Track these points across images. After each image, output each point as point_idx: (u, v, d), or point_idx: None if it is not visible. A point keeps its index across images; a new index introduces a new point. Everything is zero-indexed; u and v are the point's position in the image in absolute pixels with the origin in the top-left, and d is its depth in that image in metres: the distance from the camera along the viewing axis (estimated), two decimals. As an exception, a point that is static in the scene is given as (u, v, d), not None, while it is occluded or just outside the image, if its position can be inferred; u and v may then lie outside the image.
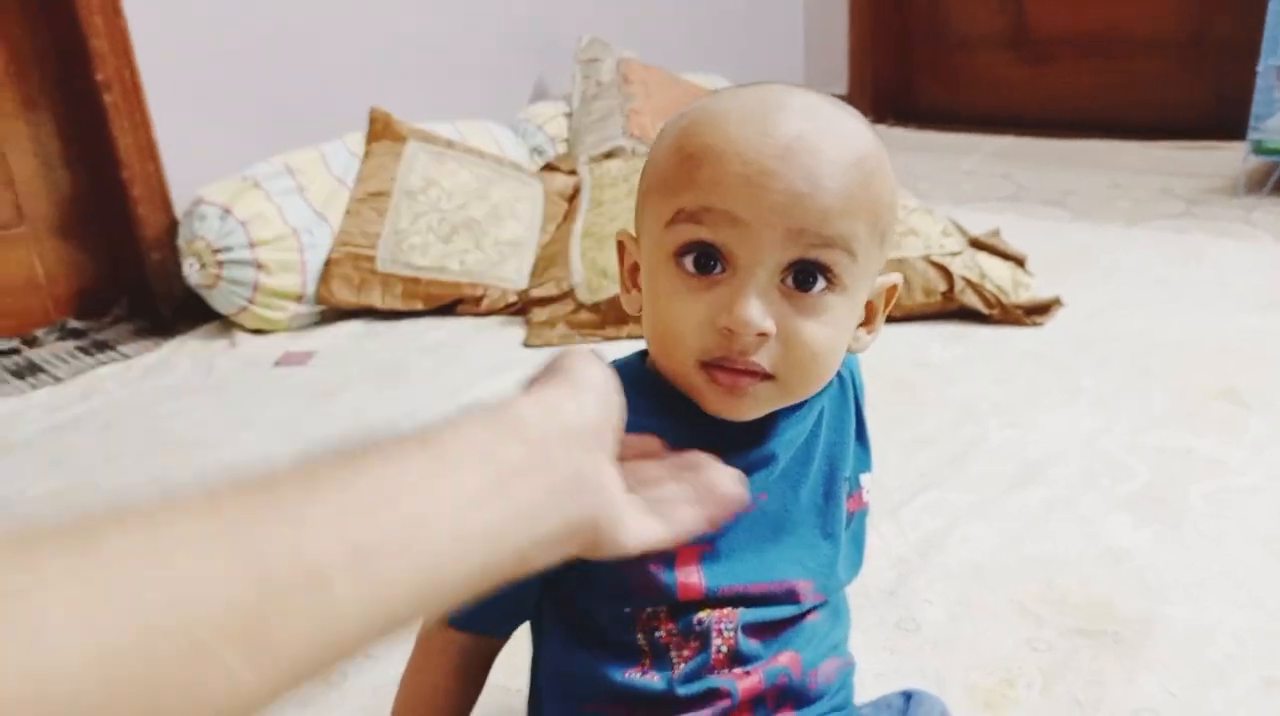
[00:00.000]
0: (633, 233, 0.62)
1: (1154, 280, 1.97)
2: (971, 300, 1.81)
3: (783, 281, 0.53)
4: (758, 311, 0.52)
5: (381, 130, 2.16)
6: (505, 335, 1.90)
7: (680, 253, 0.54)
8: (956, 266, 1.83)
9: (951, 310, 1.83)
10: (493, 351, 1.82)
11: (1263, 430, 1.36)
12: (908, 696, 0.72)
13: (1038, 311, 1.80)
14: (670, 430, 0.55)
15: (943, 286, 1.82)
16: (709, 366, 0.55)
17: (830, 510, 0.65)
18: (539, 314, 1.92)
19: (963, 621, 1.01)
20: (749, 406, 0.57)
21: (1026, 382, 1.56)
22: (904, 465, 1.31)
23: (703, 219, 0.53)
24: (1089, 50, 3.35)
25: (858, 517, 0.70)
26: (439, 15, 2.46)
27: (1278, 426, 1.37)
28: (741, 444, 0.60)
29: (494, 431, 0.40)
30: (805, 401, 0.62)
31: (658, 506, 0.47)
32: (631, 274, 0.62)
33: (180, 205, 1.99)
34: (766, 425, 0.61)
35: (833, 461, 0.65)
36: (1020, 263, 1.91)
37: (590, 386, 0.45)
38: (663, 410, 0.58)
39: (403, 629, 0.34)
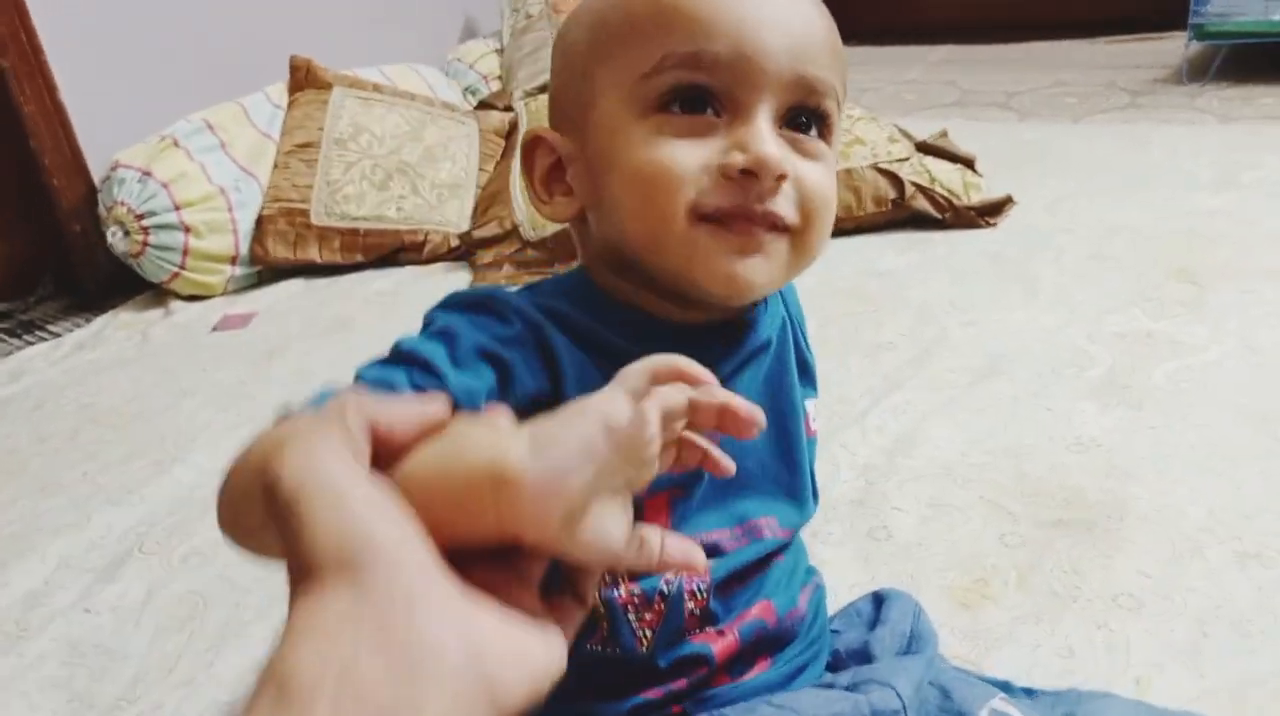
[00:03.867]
0: (538, 129, 0.54)
1: (1104, 171, 1.94)
2: (923, 205, 1.77)
3: (781, 126, 0.49)
4: (777, 147, 0.47)
5: (304, 79, 2.07)
6: (450, 280, 1.84)
7: (665, 100, 0.48)
8: (905, 172, 1.79)
9: (904, 218, 1.79)
10: (438, 297, 1.76)
11: (1219, 306, 1.35)
12: (878, 599, 0.69)
13: (990, 211, 1.77)
14: (631, 343, 0.48)
15: (893, 193, 1.78)
16: (711, 220, 0.48)
17: (791, 428, 0.59)
18: (484, 255, 1.86)
19: (934, 522, 0.99)
20: (761, 271, 0.49)
21: (984, 282, 1.53)
22: (865, 372, 1.28)
23: (699, 61, 0.47)
24: (1025, -51, 3.30)
25: (809, 446, 0.64)
26: (354, -45, 2.35)
27: (1234, 302, 1.36)
28: (728, 337, 0.55)
29: None
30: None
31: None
32: (548, 177, 0.54)
33: (97, 172, 1.90)
34: (747, 312, 0.55)
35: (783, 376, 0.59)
36: (969, 164, 1.88)
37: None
38: (620, 323, 0.51)
39: None
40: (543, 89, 2.36)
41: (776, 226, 0.49)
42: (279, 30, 2.19)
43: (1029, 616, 0.85)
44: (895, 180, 1.78)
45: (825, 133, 0.51)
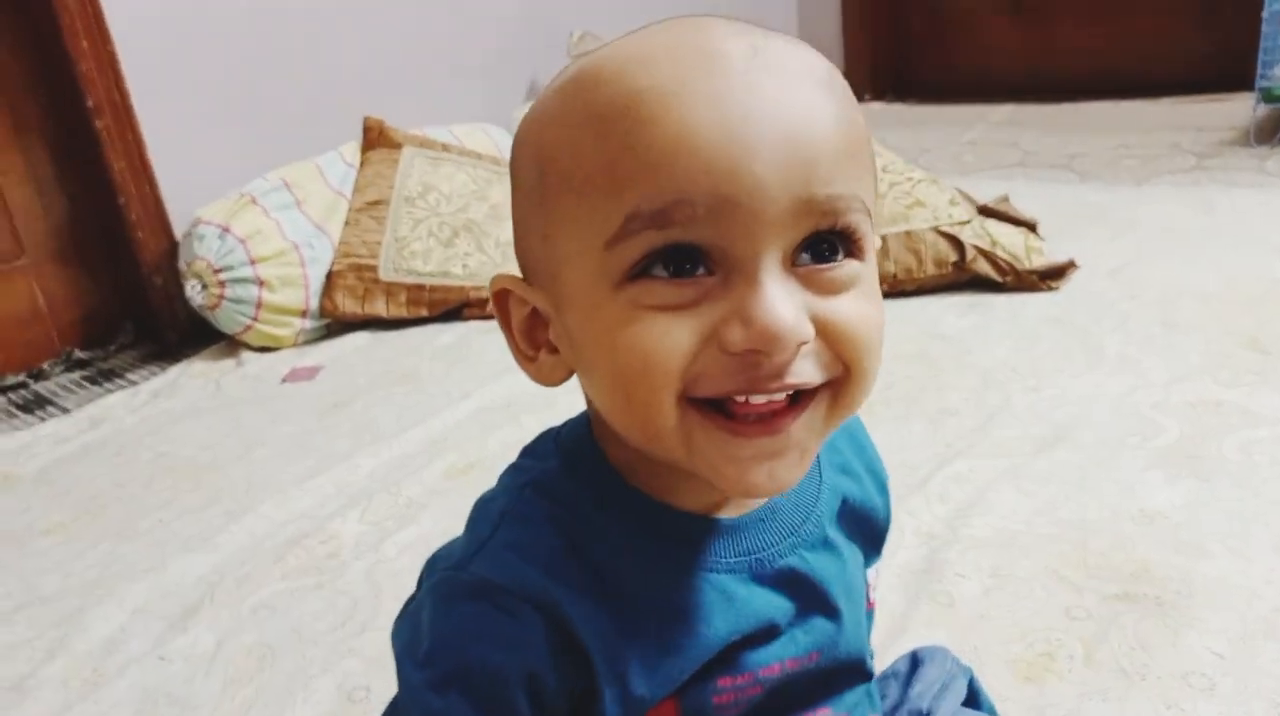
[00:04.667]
0: (516, 274, 0.44)
1: (1169, 235, 1.92)
2: (984, 268, 1.77)
3: (794, 264, 0.38)
4: (793, 315, 0.36)
5: (376, 138, 2.14)
6: (513, 336, 1.87)
7: (639, 269, 0.37)
8: (967, 235, 1.79)
9: (965, 280, 1.79)
10: (503, 352, 1.78)
11: (1294, 378, 1.32)
12: (915, 659, 0.68)
13: (1052, 275, 1.76)
14: (647, 544, 0.44)
15: (954, 257, 1.78)
16: (714, 410, 0.39)
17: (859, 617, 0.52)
18: (546, 312, 1.89)
19: (997, 593, 0.98)
20: (788, 468, 0.40)
21: (1047, 347, 1.52)
22: (928, 437, 1.28)
23: (672, 218, 0.36)
24: (1087, 11, 3.30)
25: (868, 620, 0.56)
26: (428, 20, 2.44)
27: (1309, 373, 1.33)
28: (780, 524, 0.47)
29: None
30: None
31: None
32: (529, 329, 0.44)
33: (179, 227, 1.98)
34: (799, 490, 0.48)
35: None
36: (1032, 227, 1.87)
37: None
38: (634, 516, 0.44)
39: None
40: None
41: (804, 398, 0.39)
42: (353, 91, 2.27)
43: (1095, 692, 0.83)
44: (956, 243, 1.78)
45: (855, 250, 0.39)
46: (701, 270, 0.37)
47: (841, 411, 0.41)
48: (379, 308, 1.97)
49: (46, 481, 1.49)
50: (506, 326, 0.45)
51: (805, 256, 0.38)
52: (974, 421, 1.31)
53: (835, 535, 0.50)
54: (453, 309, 1.99)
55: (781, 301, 0.36)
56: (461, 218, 2.06)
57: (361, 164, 2.12)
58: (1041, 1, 3.38)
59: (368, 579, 1.11)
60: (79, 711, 0.96)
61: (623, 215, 0.36)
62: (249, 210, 1.92)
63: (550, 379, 0.44)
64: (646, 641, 0.44)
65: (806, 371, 0.38)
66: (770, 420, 0.38)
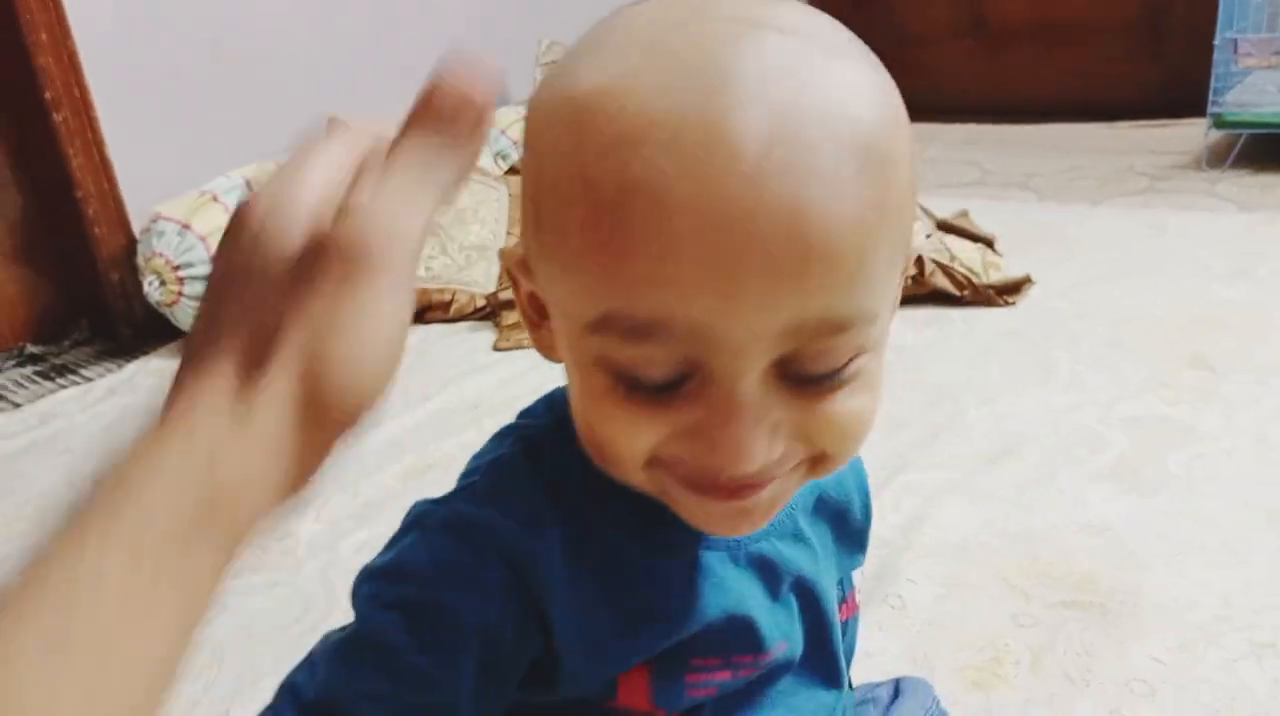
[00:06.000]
0: (521, 252, 0.41)
1: (1121, 254, 1.97)
2: (942, 283, 1.80)
3: (783, 375, 0.35)
4: (762, 447, 0.35)
5: (340, 139, 2.13)
6: (474, 339, 1.87)
7: (612, 369, 0.35)
8: (926, 249, 1.82)
9: (923, 294, 1.82)
10: (462, 356, 1.79)
11: (1234, 395, 1.36)
12: (897, 688, 0.68)
13: (1009, 291, 1.80)
14: (636, 514, 0.43)
15: (912, 271, 1.81)
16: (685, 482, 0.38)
17: (825, 608, 0.51)
18: (508, 317, 1.90)
19: (948, 601, 1.00)
20: (760, 515, 0.39)
21: (1000, 362, 1.55)
22: (879, 446, 1.30)
23: (649, 334, 0.33)
24: (1045, 37, 3.36)
25: (850, 627, 0.57)
26: (394, 23, 2.43)
27: (1249, 391, 1.37)
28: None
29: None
30: None
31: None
32: (535, 301, 0.41)
33: (138, 223, 1.95)
34: None
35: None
36: (989, 243, 1.91)
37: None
38: (617, 497, 0.41)
39: None
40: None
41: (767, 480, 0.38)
42: (317, 92, 2.26)
43: (1041, 700, 0.85)
44: (915, 258, 1.81)
45: (853, 355, 0.36)
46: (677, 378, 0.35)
47: (818, 475, 0.40)
48: (340, 309, 1.95)
49: (-6, 477, 1.47)
50: (516, 291, 0.43)
51: (796, 368, 0.35)
52: (925, 434, 1.33)
53: (807, 527, 0.49)
54: (415, 312, 1.98)
55: (749, 431, 0.34)
56: (425, 221, 2.06)
57: (325, 164, 2.11)
58: (1000, 25, 3.45)
59: (322, 578, 1.11)
60: (24, 709, 0.95)
61: (602, 309, 0.34)
62: (210, 208, 1.90)
63: (551, 354, 0.42)
64: (629, 607, 0.43)
65: (780, 463, 0.37)
66: (740, 490, 0.37)
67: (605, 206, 0.32)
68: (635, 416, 0.35)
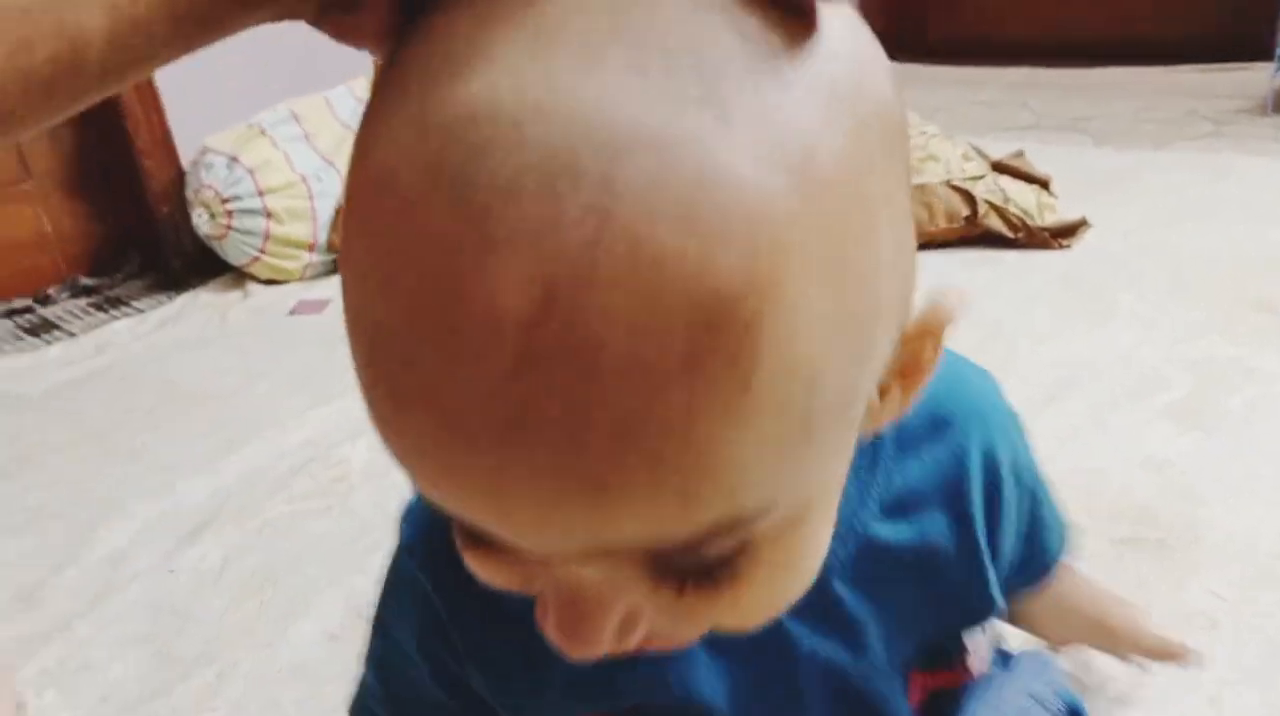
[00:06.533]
0: None
1: (1184, 199, 1.91)
2: (996, 224, 1.76)
3: (641, 561, 0.24)
4: (608, 636, 0.26)
5: (386, 75, 2.12)
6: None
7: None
8: (979, 190, 1.78)
9: (976, 235, 1.78)
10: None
11: (1301, 338, 1.32)
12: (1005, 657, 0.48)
13: (1064, 233, 1.76)
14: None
15: (965, 211, 1.77)
16: None
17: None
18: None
19: (1002, 534, 0.99)
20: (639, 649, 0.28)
21: (1056, 303, 1.52)
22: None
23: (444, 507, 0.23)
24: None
25: (965, 693, 0.42)
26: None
27: (1317, 335, 1.33)
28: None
29: None
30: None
31: None
32: None
33: (186, 155, 1.96)
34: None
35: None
36: (1045, 185, 1.87)
37: None
38: None
39: None
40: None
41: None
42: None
43: (1097, 631, 0.84)
44: (968, 198, 1.77)
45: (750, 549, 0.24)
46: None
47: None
48: (386, 245, 1.96)
49: (53, 403, 1.49)
50: None
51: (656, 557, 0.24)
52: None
53: (849, 595, 0.37)
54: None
55: (587, 621, 0.25)
56: (471, 158, 2.05)
57: (372, 100, 2.10)
58: (1059, -35, 3.34)
59: (376, 503, 1.12)
60: (88, 620, 0.97)
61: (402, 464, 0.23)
62: (258, 141, 1.90)
63: None
64: (544, 677, 0.37)
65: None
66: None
67: (360, 353, 0.22)
68: (484, 562, 0.26)
